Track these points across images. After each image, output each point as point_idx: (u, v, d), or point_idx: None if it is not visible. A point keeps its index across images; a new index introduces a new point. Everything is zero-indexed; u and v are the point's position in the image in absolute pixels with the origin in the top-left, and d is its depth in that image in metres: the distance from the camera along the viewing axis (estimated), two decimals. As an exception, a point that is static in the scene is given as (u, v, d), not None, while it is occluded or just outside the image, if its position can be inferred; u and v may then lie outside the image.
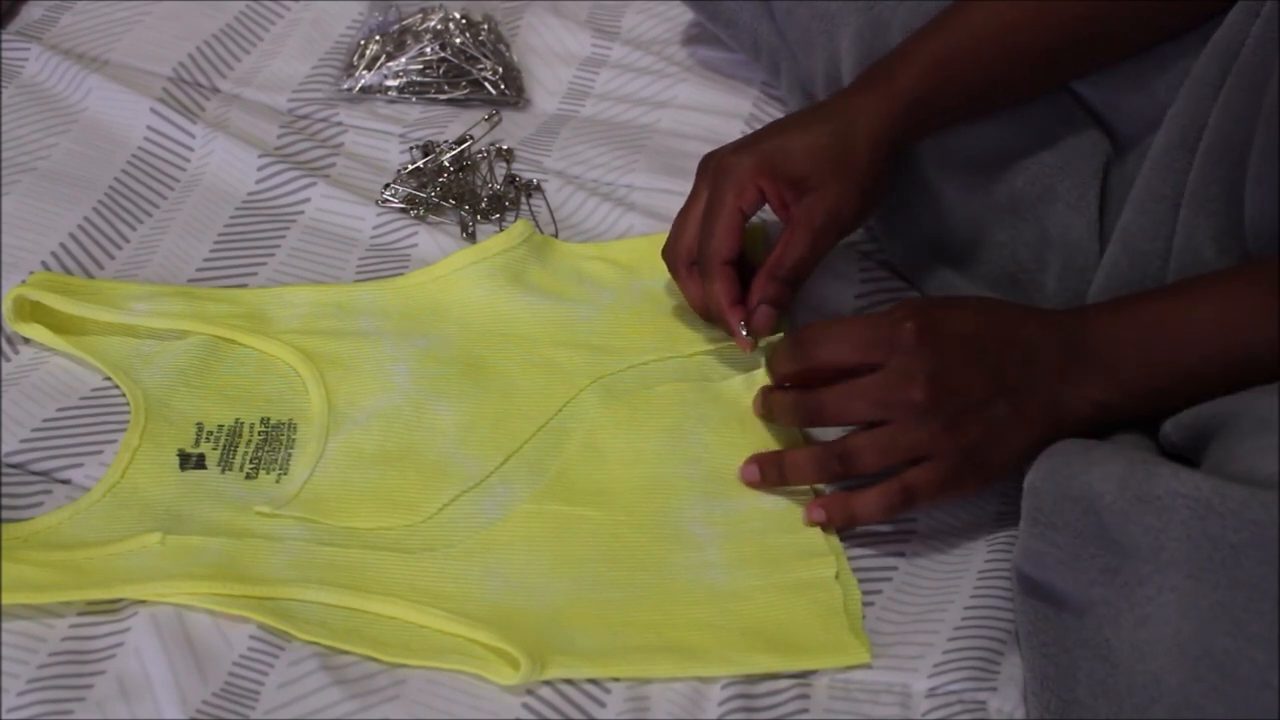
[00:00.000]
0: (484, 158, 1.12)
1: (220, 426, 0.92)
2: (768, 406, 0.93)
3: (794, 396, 0.90)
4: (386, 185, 1.09)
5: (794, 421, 0.92)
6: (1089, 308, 0.90)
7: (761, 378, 0.94)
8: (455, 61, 1.18)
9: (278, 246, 1.04)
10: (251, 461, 0.90)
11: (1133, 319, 0.86)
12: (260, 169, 1.08)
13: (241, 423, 0.92)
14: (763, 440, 0.93)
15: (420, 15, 1.21)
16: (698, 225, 0.95)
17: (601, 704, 0.80)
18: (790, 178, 0.94)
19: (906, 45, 0.97)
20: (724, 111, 1.17)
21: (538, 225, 1.06)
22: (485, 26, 1.22)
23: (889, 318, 0.86)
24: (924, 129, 0.98)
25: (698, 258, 0.96)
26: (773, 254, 0.94)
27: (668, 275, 1.00)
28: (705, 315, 0.98)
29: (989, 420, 0.84)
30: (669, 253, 0.98)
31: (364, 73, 1.17)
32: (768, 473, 0.90)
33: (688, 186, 1.06)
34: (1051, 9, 0.95)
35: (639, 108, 1.18)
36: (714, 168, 0.96)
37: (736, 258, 0.95)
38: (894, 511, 0.87)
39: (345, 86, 1.17)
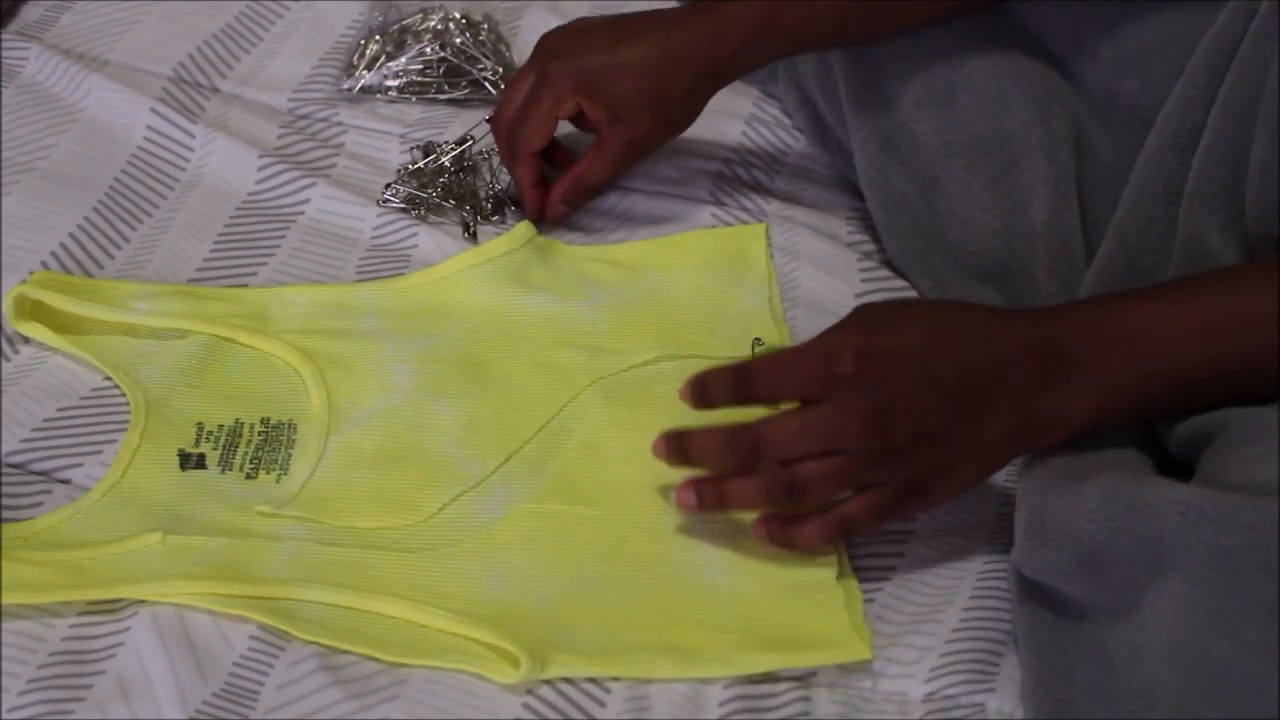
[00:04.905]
0: (485, 158, 1.12)
1: (220, 426, 0.92)
2: (685, 450, 0.85)
3: (726, 436, 0.83)
4: (387, 185, 1.09)
5: (723, 463, 0.84)
6: (1068, 307, 0.85)
7: None
8: (455, 61, 1.18)
9: (278, 246, 1.04)
10: (252, 461, 0.90)
11: (1114, 318, 0.81)
12: (260, 169, 1.08)
13: (242, 422, 0.92)
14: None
15: (420, 15, 1.21)
16: (519, 104, 1.04)
17: (601, 704, 0.80)
18: (606, 102, 1.01)
19: None
20: (723, 111, 1.17)
21: (538, 226, 1.06)
22: (485, 26, 1.21)
23: (830, 347, 0.82)
24: (762, 54, 1.02)
25: (509, 142, 1.05)
26: (578, 165, 1.04)
27: (669, 277, 1.02)
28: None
29: (941, 450, 0.81)
30: (494, 119, 1.07)
31: (364, 73, 1.17)
32: (706, 498, 0.84)
33: (688, 188, 1.06)
34: None
35: (639, 108, 1.18)
36: (543, 62, 1.02)
37: (544, 147, 1.04)
38: (832, 542, 0.85)
39: (345, 86, 1.17)
